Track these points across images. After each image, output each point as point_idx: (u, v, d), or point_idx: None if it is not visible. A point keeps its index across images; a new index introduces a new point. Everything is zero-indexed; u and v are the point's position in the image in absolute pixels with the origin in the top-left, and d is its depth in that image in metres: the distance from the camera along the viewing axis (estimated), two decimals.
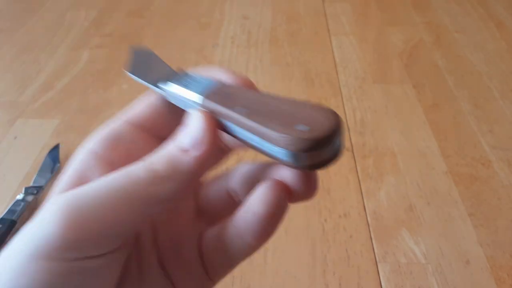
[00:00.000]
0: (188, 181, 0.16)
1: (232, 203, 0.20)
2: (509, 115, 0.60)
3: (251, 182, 0.19)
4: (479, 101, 0.63)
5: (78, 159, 0.18)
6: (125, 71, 0.21)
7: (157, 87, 0.20)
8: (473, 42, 0.75)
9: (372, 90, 0.65)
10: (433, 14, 0.83)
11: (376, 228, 0.46)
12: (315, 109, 0.16)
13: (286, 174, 0.17)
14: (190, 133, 0.17)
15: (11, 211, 0.46)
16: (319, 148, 0.15)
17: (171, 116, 0.20)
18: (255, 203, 0.17)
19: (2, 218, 0.45)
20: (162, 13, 0.86)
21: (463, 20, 0.81)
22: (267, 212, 0.16)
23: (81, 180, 0.18)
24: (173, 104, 0.20)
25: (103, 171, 0.18)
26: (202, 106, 0.18)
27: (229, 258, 0.18)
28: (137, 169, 0.16)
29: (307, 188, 0.17)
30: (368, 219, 0.47)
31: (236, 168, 0.21)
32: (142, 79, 0.20)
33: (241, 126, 0.17)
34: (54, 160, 0.53)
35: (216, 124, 0.17)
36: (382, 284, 0.41)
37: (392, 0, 0.88)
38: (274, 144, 0.16)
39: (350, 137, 0.57)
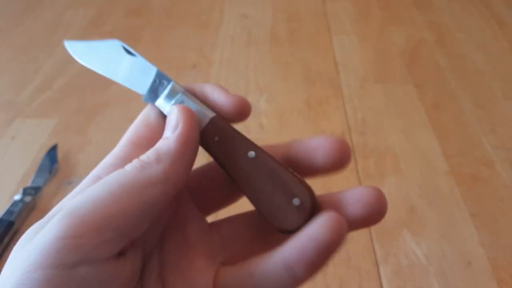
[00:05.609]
0: (175, 161, 0.17)
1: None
2: (511, 115, 0.60)
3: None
4: (481, 101, 0.62)
5: (83, 184, 0.19)
6: (146, 102, 0.21)
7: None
8: (475, 42, 0.75)
9: (373, 90, 0.64)
10: (435, 13, 0.83)
11: (377, 229, 0.45)
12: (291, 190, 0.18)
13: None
14: (169, 123, 0.19)
15: (9, 212, 0.46)
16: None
17: None
18: (317, 228, 0.16)
19: (0, 219, 0.45)
20: (161, 12, 0.86)
21: (465, 20, 0.81)
22: (331, 239, 0.16)
23: None
24: None
25: None
26: None
27: None
28: (128, 164, 0.17)
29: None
30: None
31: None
32: (157, 104, 0.21)
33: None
34: (52, 161, 0.53)
35: (192, 113, 0.19)
36: (383, 285, 0.41)
37: None
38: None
39: (351, 137, 0.56)
